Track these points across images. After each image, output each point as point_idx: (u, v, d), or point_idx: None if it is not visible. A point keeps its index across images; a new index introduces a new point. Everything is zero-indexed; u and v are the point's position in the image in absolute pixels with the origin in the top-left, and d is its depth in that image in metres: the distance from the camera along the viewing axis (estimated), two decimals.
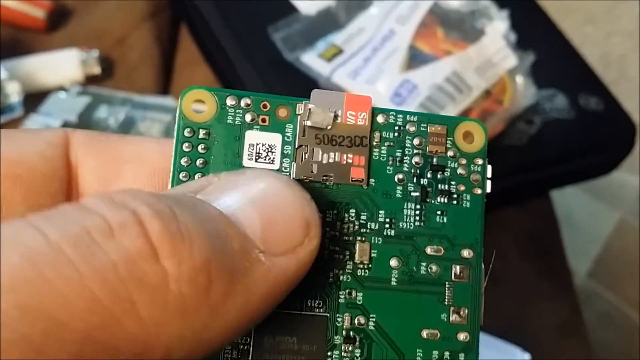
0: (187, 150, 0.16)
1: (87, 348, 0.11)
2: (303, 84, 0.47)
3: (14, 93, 0.47)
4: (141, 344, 0.12)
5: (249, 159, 0.16)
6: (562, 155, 0.52)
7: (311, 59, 0.48)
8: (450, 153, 0.16)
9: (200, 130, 0.16)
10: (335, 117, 0.16)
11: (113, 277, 0.11)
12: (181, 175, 0.16)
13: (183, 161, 0.16)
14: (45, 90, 0.50)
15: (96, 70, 0.52)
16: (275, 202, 0.14)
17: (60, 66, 0.51)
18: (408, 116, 0.16)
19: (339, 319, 0.16)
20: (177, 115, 0.16)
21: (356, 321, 0.16)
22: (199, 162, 0.16)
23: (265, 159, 0.16)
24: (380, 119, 0.16)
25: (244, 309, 0.13)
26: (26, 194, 0.16)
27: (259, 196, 0.14)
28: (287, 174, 0.16)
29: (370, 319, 0.16)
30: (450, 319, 0.16)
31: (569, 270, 0.54)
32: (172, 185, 0.16)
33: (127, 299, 0.11)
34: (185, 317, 0.12)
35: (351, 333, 0.16)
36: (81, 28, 0.55)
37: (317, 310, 0.16)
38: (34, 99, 0.49)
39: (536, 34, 0.55)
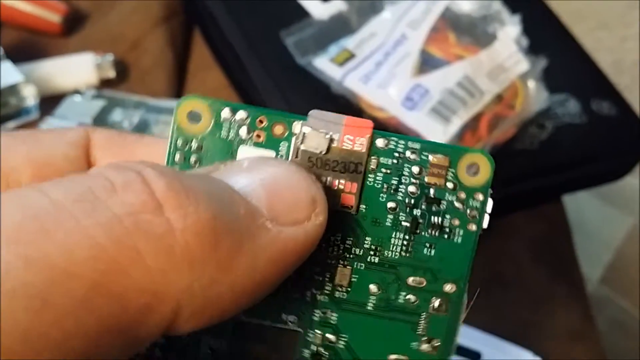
0: (177, 161, 0.16)
1: (93, 295, 0.11)
2: (315, 88, 0.48)
3: (30, 96, 0.48)
4: (149, 293, 0.12)
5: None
6: (574, 160, 0.52)
7: (323, 64, 0.48)
8: (449, 185, 0.16)
9: (193, 141, 0.16)
10: (332, 140, 0.15)
11: (117, 228, 0.12)
12: None
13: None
14: (60, 94, 0.50)
15: (111, 74, 0.52)
16: (282, 179, 0.14)
17: (76, 70, 0.51)
18: (410, 143, 0.16)
19: (311, 335, 0.16)
20: (171, 124, 0.16)
21: (327, 338, 0.16)
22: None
23: None
24: (379, 143, 0.16)
25: (252, 269, 0.13)
26: (34, 176, 0.16)
27: (267, 176, 0.14)
28: None
29: (341, 338, 0.16)
30: (421, 347, 0.16)
31: (581, 276, 0.54)
32: None
33: (133, 248, 0.12)
34: (193, 267, 0.12)
35: (321, 349, 0.16)
36: (96, 32, 0.56)
37: (291, 324, 0.16)
38: (50, 102, 0.49)
39: (548, 38, 0.55)
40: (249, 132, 0.16)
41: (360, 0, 0.51)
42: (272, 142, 0.16)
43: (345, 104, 0.47)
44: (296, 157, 0.15)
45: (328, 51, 0.49)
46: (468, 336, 0.46)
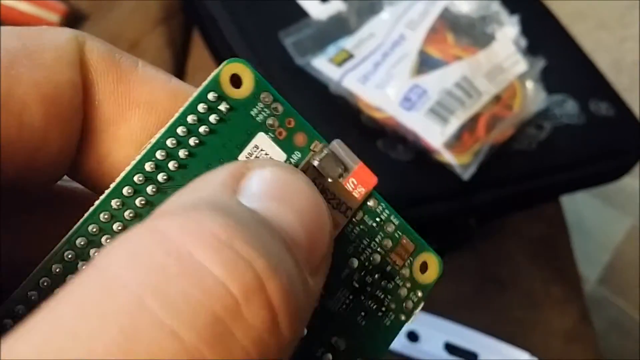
0: (191, 122, 0.15)
1: None
2: (313, 89, 0.48)
3: None
4: None
5: (246, 157, 0.15)
6: (573, 161, 0.52)
7: (322, 64, 0.48)
8: (404, 271, 0.16)
9: (223, 104, 0.15)
10: (340, 175, 0.15)
11: None
12: (159, 153, 0.14)
13: (180, 130, 0.15)
14: None
15: None
16: (317, 218, 0.14)
17: None
18: (392, 217, 0.16)
19: None
20: (209, 78, 0.15)
21: None
22: (192, 140, 0.15)
23: None
24: (370, 203, 0.16)
25: (296, 332, 0.12)
26: (47, 114, 0.14)
27: (303, 212, 0.13)
28: None
29: None
30: None
31: (578, 276, 0.54)
32: (156, 143, 0.15)
33: None
34: None
35: None
36: (95, 33, 0.55)
37: None
38: None
39: (547, 39, 0.55)
40: (275, 125, 0.15)
41: (359, 1, 0.51)
42: (288, 146, 0.15)
43: (343, 104, 0.47)
44: (304, 170, 0.15)
45: (326, 51, 0.49)
46: (465, 337, 0.46)
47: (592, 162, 0.52)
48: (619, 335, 0.85)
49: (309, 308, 0.13)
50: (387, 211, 0.16)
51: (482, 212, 0.51)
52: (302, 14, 0.51)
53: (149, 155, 0.14)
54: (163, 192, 0.14)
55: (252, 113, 0.15)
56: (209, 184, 0.13)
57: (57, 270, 0.14)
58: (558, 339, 0.50)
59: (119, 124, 0.15)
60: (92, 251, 0.14)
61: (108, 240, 0.14)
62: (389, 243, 0.16)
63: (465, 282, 0.51)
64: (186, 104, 0.15)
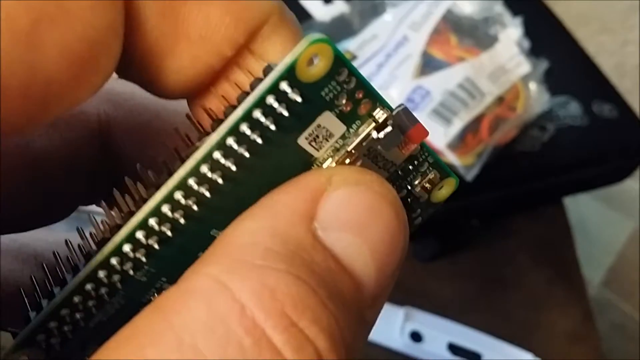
0: (257, 117, 0.13)
1: None
2: None
3: None
4: None
5: (306, 138, 0.13)
6: (575, 162, 0.52)
7: None
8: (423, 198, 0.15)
9: (296, 90, 0.13)
10: (397, 144, 0.14)
11: None
12: (217, 154, 0.13)
13: (244, 127, 0.13)
14: None
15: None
16: (391, 254, 0.13)
17: None
18: (429, 157, 0.15)
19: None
20: (284, 65, 0.12)
21: None
22: (256, 138, 0.13)
23: (316, 144, 0.14)
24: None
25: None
26: (77, 77, 0.12)
27: (381, 247, 0.13)
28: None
29: None
30: None
31: (581, 277, 0.54)
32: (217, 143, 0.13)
33: None
34: None
35: None
36: None
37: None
38: None
39: (549, 41, 0.55)
40: (343, 101, 0.13)
41: (362, 1, 0.51)
42: (351, 118, 0.14)
43: None
44: (362, 142, 0.14)
45: None
46: (468, 337, 0.46)
47: (595, 163, 0.52)
48: (622, 338, 0.85)
49: (364, 340, 0.13)
50: (426, 154, 0.15)
51: (486, 213, 0.51)
52: (305, 15, 0.51)
53: (206, 158, 0.13)
54: (223, 194, 0.13)
55: (322, 93, 0.13)
56: (285, 209, 0.12)
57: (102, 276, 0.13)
58: (561, 339, 0.50)
59: (166, 58, 0.13)
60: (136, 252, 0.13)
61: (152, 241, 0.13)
62: (420, 178, 0.15)
63: (468, 282, 0.51)
64: (252, 99, 0.12)
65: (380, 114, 0.14)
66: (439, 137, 0.46)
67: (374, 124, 0.14)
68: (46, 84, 0.11)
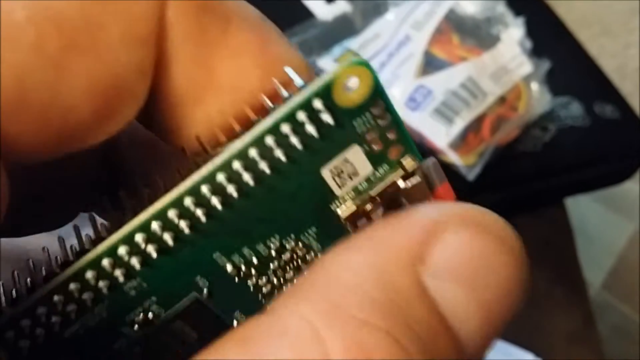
0: (286, 132, 0.12)
1: None
2: None
3: None
4: None
5: (330, 171, 0.13)
6: (577, 163, 0.52)
7: (327, 64, 0.48)
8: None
9: (328, 112, 0.12)
10: (424, 198, 0.14)
11: None
12: (237, 163, 0.12)
13: (269, 140, 0.12)
14: None
15: None
16: (504, 310, 0.12)
17: None
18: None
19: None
20: (321, 82, 0.11)
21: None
22: (280, 154, 0.12)
23: (340, 179, 0.13)
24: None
25: None
26: (98, 113, 0.12)
27: (490, 304, 0.11)
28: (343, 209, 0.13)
29: None
30: None
31: (582, 279, 0.54)
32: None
33: None
34: None
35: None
36: None
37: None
38: None
39: (552, 41, 0.55)
40: (375, 137, 0.13)
41: (364, 0, 0.52)
42: (379, 159, 0.13)
43: None
44: (387, 189, 0.13)
45: (332, 52, 0.49)
46: None
47: (596, 164, 0.52)
48: (622, 340, 0.85)
49: None
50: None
51: None
52: (308, 14, 0.51)
53: (225, 165, 0.12)
54: (234, 210, 0.12)
55: (355, 123, 0.12)
56: (392, 247, 0.11)
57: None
58: (561, 339, 0.50)
59: (193, 107, 0.13)
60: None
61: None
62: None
63: None
64: (284, 110, 0.12)
65: (409, 163, 0.13)
66: (441, 136, 0.46)
67: (402, 172, 0.13)
68: (65, 112, 0.11)
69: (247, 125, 0.12)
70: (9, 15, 0.10)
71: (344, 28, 0.51)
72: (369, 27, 0.50)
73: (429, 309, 0.11)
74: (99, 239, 0.12)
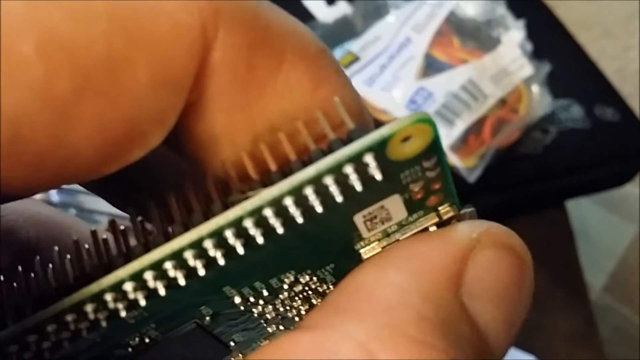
0: (327, 183, 0.11)
1: None
2: None
3: None
4: None
5: (364, 216, 0.12)
6: (577, 165, 0.52)
7: None
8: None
9: (379, 164, 0.11)
10: None
11: None
12: (268, 210, 0.11)
13: (308, 190, 0.11)
14: None
15: None
16: (520, 323, 0.12)
17: None
18: None
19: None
20: (377, 136, 0.10)
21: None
22: (317, 204, 0.11)
23: (371, 224, 0.12)
24: None
25: None
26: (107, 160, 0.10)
27: (513, 318, 0.12)
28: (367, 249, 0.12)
29: None
30: None
31: (583, 280, 0.54)
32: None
33: None
34: None
35: None
36: None
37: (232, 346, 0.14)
38: None
39: (552, 44, 0.55)
40: (418, 189, 0.12)
41: (365, 2, 0.52)
42: (416, 207, 0.12)
43: None
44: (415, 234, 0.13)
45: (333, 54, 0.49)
46: None
47: (596, 166, 0.52)
48: (623, 343, 0.85)
49: None
50: None
51: (488, 215, 0.51)
52: (308, 16, 0.51)
53: (254, 211, 0.11)
54: (256, 252, 0.11)
55: (402, 175, 0.11)
56: (432, 266, 0.11)
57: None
58: (562, 341, 0.50)
59: (225, 144, 0.11)
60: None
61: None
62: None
63: None
64: (329, 161, 0.10)
65: (447, 211, 0.12)
66: (442, 139, 0.46)
67: (436, 219, 0.12)
68: (66, 159, 0.09)
69: (284, 165, 0.11)
70: (15, 44, 0.09)
71: (344, 30, 0.51)
72: (369, 30, 0.50)
73: (472, 327, 0.11)
74: (109, 264, 0.11)
